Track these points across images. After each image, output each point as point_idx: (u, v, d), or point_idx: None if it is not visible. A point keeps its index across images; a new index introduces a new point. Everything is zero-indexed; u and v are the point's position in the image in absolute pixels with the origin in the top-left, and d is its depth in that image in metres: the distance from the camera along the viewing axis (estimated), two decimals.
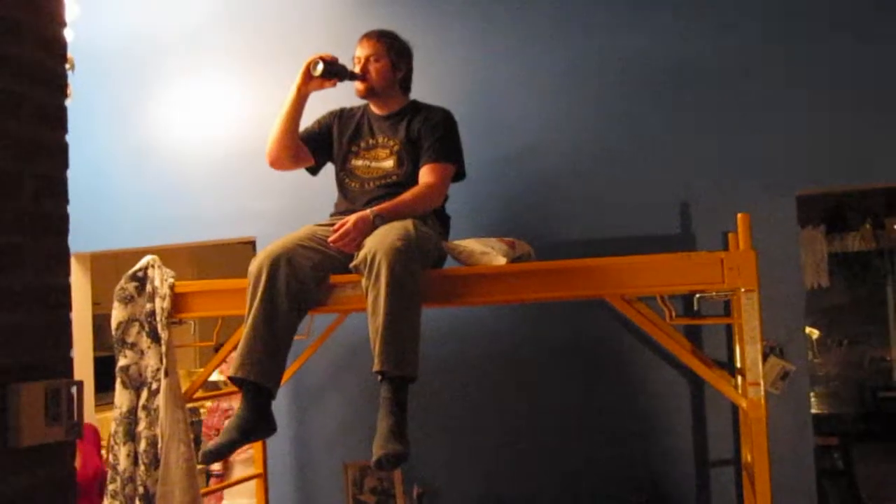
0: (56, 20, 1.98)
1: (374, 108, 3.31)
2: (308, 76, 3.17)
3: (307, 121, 3.33)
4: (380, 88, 3.24)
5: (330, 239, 2.91)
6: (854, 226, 6.52)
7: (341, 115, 3.37)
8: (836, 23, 3.48)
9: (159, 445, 3.12)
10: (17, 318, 1.81)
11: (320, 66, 3.13)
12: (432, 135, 3.17)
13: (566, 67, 3.81)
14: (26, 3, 1.89)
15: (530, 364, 3.78)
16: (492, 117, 3.89)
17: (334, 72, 3.16)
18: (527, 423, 3.77)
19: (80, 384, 1.91)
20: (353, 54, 3.26)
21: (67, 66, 2.04)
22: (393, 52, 3.24)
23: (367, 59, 3.22)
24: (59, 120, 1.97)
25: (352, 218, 2.89)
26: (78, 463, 3.77)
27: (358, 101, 3.34)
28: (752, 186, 3.51)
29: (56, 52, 1.97)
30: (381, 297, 2.66)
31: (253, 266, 2.88)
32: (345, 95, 3.35)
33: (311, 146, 3.33)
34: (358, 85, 3.23)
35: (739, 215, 2.75)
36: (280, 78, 4.21)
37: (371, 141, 3.26)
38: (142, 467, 3.13)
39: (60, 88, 1.98)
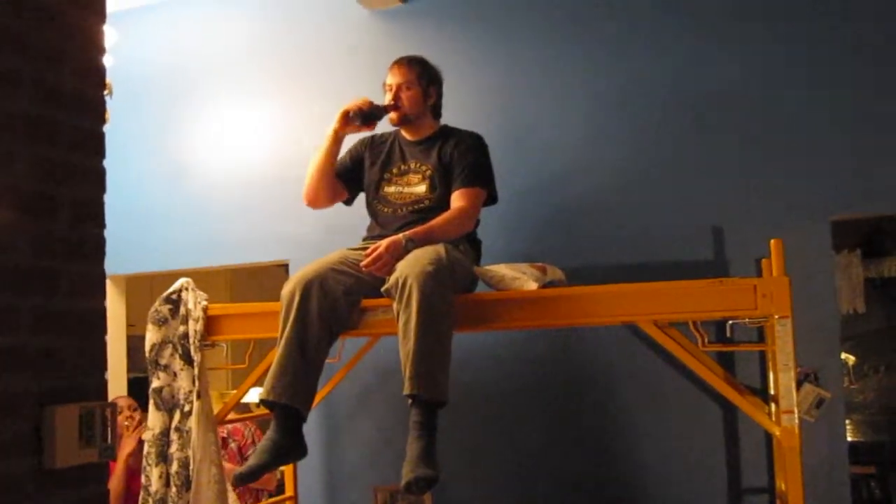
0: (96, 47, 2.02)
1: (405, 134, 3.33)
2: (345, 121, 3.21)
3: None
4: (412, 115, 3.26)
5: (362, 263, 2.92)
6: (891, 251, 6.42)
7: (372, 143, 3.39)
8: (870, 47, 3.45)
9: (191, 467, 3.14)
10: (53, 341, 1.84)
11: (358, 120, 3.20)
12: (464, 159, 3.18)
13: (598, 93, 3.81)
14: (67, 31, 1.93)
15: (561, 389, 3.76)
16: (524, 143, 3.90)
17: (371, 116, 3.21)
18: (557, 447, 3.75)
19: (113, 406, 1.94)
20: (384, 81, 3.29)
21: (106, 91, 2.08)
22: (424, 78, 3.26)
23: (398, 87, 3.24)
24: (97, 146, 2.00)
25: (383, 242, 2.90)
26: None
27: (387, 127, 3.36)
28: (785, 212, 3.47)
29: (95, 78, 2.01)
30: (412, 322, 2.67)
31: (285, 290, 2.91)
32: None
33: (344, 179, 3.36)
34: (391, 114, 3.26)
35: (773, 241, 2.73)
36: (313, 102, 4.28)
37: (403, 167, 3.28)
38: (173, 489, 3.15)
39: (99, 115, 2.01)
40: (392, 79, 3.26)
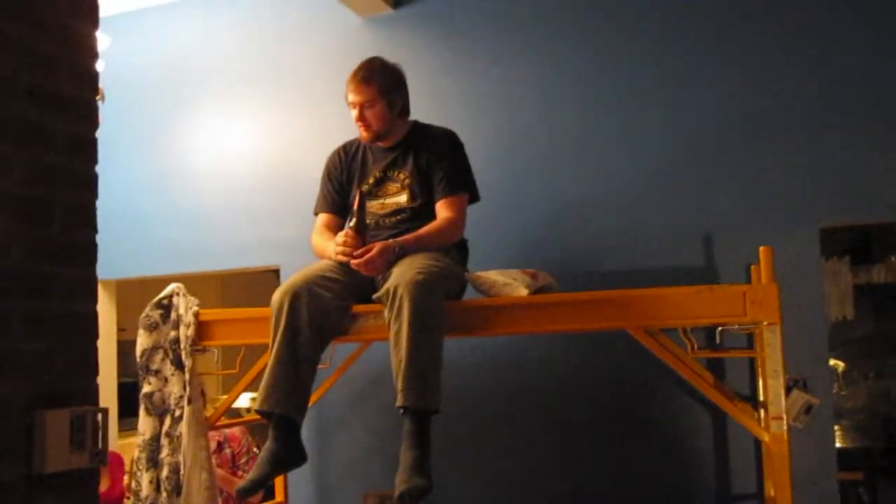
0: (89, 53, 2.03)
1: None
2: None
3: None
4: (383, 131, 3.16)
5: (352, 262, 2.89)
6: (879, 257, 6.46)
7: (345, 158, 3.30)
8: (862, 57, 3.47)
9: (181, 472, 3.14)
10: (44, 346, 1.84)
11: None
12: (442, 165, 3.14)
13: (591, 102, 3.82)
14: (61, 37, 1.94)
15: (551, 395, 3.76)
16: (515, 150, 3.91)
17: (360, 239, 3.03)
18: (547, 453, 3.75)
19: (105, 411, 1.94)
20: (346, 96, 3.16)
21: (98, 97, 2.08)
22: (384, 90, 3.12)
23: (362, 107, 3.11)
24: (89, 151, 2.01)
25: (376, 246, 2.88)
26: (105, 485, 3.80)
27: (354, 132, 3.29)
28: (775, 219, 3.49)
29: (88, 84, 2.02)
30: (403, 331, 2.67)
31: (275, 299, 2.89)
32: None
33: (342, 211, 3.29)
34: (363, 134, 3.16)
35: (762, 248, 2.74)
36: (305, 109, 4.29)
37: (378, 174, 3.20)
38: (164, 494, 3.14)
39: (92, 120, 2.02)
40: (354, 97, 3.12)
